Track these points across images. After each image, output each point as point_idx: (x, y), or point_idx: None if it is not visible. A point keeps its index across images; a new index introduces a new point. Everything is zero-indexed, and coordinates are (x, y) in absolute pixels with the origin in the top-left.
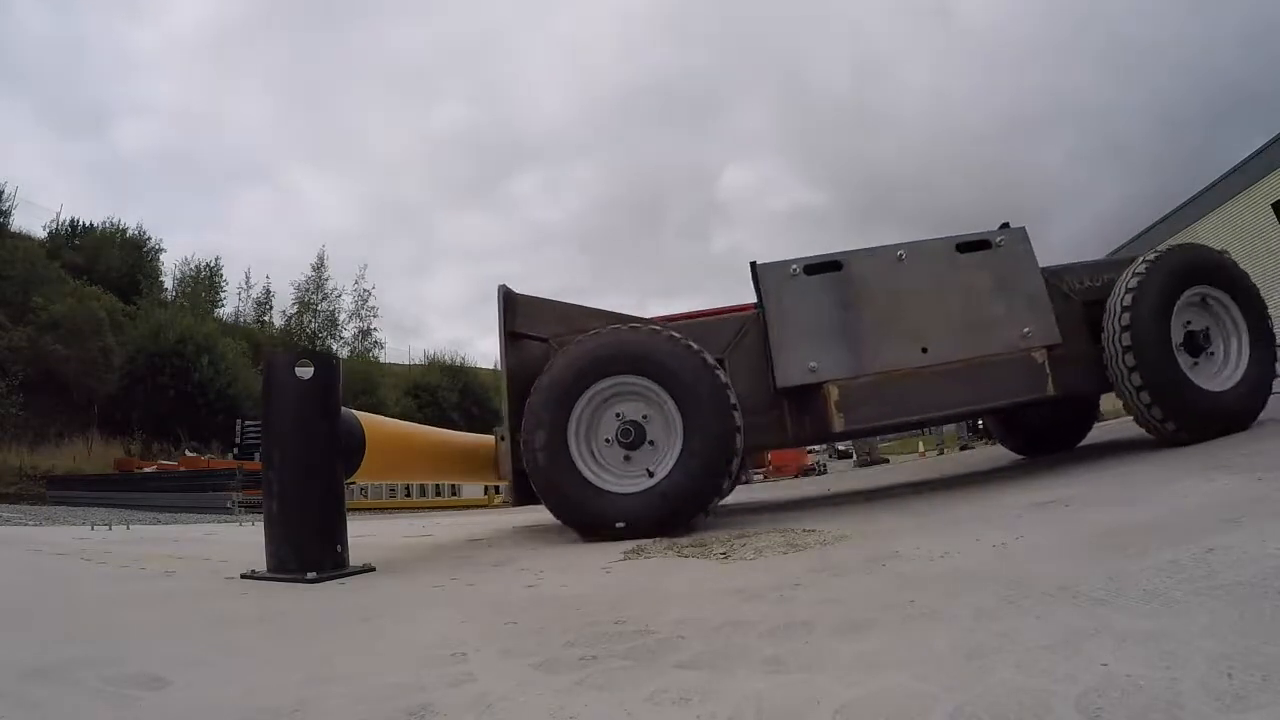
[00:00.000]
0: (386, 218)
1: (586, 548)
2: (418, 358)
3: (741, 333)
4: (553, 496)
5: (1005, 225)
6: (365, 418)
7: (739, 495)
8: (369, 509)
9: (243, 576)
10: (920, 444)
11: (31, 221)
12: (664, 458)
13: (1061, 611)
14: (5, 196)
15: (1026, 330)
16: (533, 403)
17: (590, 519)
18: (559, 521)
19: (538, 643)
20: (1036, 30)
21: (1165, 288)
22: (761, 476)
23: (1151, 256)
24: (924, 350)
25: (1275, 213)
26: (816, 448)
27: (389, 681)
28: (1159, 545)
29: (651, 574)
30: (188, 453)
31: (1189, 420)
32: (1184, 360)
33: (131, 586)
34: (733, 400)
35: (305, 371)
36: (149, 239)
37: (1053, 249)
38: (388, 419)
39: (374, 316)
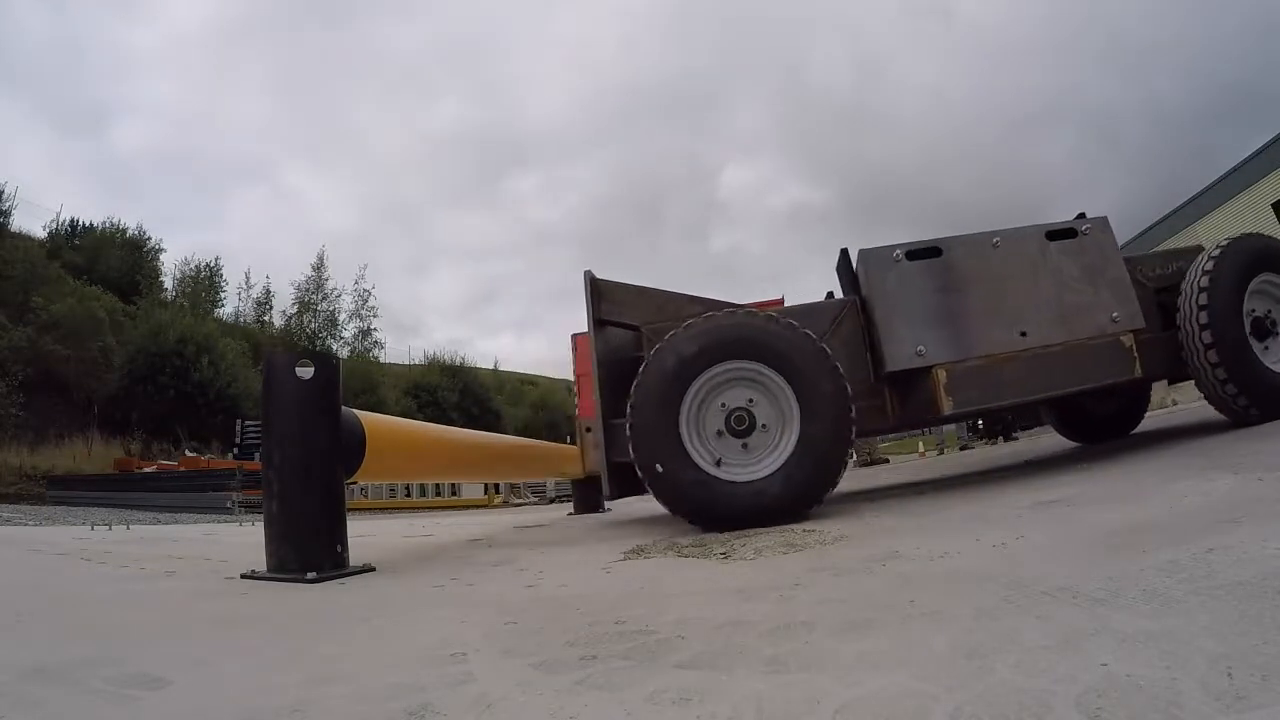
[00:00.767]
0: (386, 217)
1: (587, 548)
2: (418, 357)
3: (838, 319)
4: (665, 488)
5: (1082, 215)
6: (366, 417)
7: None
8: (369, 509)
9: (243, 576)
10: (920, 444)
11: (31, 221)
12: (778, 444)
13: (1062, 611)
14: (5, 196)
15: (1115, 315)
16: (645, 385)
17: (706, 509)
18: (666, 510)
19: (538, 643)
20: (1037, 30)
21: (1238, 273)
22: None
23: (1224, 242)
24: (1023, 334)
25: (1275, 213)
26: None
27: (389, 681)
28: (1159, 545)
29: (651, 574)
30: (188, 453)
31: (1262, 398)
32: (1254, 343)
33: (132, 586)
34: (847, 387)
35: (305, 371)
36: (149, 239)
37: None
38: (389, 417)
39: (374, 316)
